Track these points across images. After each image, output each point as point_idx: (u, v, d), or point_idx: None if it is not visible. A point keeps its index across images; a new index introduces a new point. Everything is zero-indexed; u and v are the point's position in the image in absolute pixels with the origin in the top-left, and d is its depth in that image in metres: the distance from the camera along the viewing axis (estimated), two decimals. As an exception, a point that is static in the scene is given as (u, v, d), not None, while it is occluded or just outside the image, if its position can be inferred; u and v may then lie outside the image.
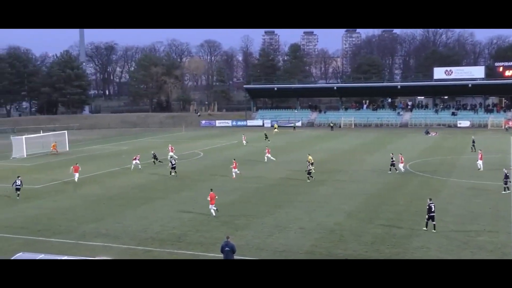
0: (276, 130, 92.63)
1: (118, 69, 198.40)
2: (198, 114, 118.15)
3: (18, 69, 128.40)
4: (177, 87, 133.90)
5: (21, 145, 63.29)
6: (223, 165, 53.13)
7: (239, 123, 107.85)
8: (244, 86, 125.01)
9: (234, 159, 48.09)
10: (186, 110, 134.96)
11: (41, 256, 18.97)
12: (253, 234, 28.11)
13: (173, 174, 47.25)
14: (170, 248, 25.81)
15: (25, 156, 62.00)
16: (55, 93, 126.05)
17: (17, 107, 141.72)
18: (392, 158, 47.79)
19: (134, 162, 51.43)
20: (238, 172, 45.94)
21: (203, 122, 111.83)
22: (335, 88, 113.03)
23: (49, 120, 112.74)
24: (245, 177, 45.69)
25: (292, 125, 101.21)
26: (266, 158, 54.56)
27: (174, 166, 47.90)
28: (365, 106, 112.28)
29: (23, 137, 65.00)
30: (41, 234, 28.88)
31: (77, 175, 45.58)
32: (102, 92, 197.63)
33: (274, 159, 54.61)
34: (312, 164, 45.78)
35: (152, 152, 56.59)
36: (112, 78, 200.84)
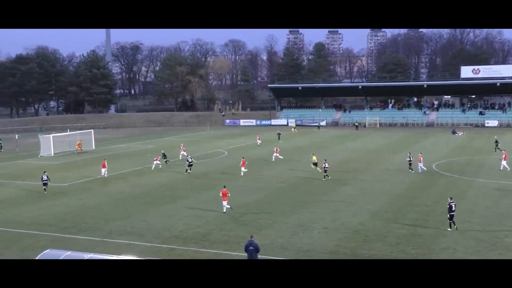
0: (294, 130, 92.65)
1: (143, 68, 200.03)
2: (223, 113, 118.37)
3: (46, 69, 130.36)
4: (201, 86, 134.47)
5: (49, 143, 64.29)
6: (247, 165, 53.24)
7: (263, 122, 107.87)
8: (269, 85, 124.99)
9: (243, 158, 48.95)
10: (211, 109, 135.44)
11: (67, 254, 19.23)
12: (277, 233, 28.10)
13: (188, 171, 48.05)
14: (194, 247, 25.93)
15: (52, 154, 62.97)
16: (81, 93, 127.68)
17: (45, 106, 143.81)
18: (409, 158, 47.70)
19: (155, 162, 51.90)
20: (246, 170, 46.69)
21: (227, 121, 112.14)
22: (360, 87, 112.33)
23: (76, 119, 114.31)
24: (269, 176, 45.76)
25: (316, 124, 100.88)
26: (274, 157, 55.01)
27: (191, 163, 48.76)
28: (390, 105, 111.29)
29: (51, 135, 66.04)
30: (68, 231, 29.31)
31: (104, 170, 47.50)
32: (127, 91, 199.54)
33: (281, 157, 54.83)
34: (315, 164, 46.50)
35: (162, 151, 56.85)
36: (137, 77, 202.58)
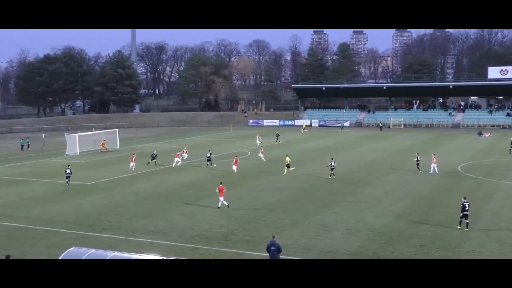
0: (304, 130, 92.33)
1: (168, 68, 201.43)
2: (246, 114, 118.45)
3: (72, 69, 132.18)
4: (225, 86, 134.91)
5: (75, 142, 65.07)
6: (270, 164, 53.43)
7: (287, 122, 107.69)
8: (292, 85, 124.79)
9: (236, 156, 50.62)
10: (234, 109, 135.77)
11: (91, 252, 19.47)
12: (299, 234, 28.04)
13: (210, 167, 49.88)
14: (217, 246, 26.01)
15: (78, 153, 63.76)
16: (107, 92, 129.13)
17: (71, 105, 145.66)
18: (417, 158, 47.82)
19: (179, 158, 53.35)
20: (236, 169, 48.02)
21: (251, 121, 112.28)
22: (384, 88, 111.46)
23: (101, 119, 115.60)
24: (292, 176, 45.75)
25: (340, 125, 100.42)
26: (261, 157, 55.50)
27: (209, 158, 51.29)
28: (415, 106, 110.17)
29: (76, 134, 66.86)
30: (92, 229, 29.68)
31: (132, 164, 50.42)
32: (152, 91, 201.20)
33: (264, 160, 55.04)
34: (288, 166, 47.08)
35: (154, 152, 56.90)
36: (162, 77, 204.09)
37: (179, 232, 28.86)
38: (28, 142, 72.32)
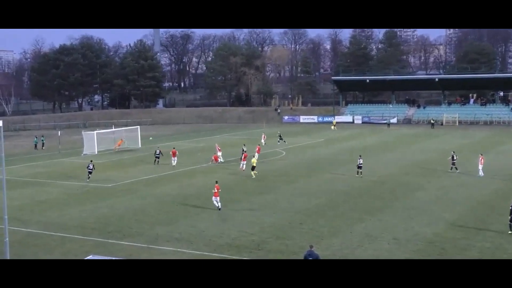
0: (334, 127, 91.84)
1: (194, 59, 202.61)
2: (278, 111, 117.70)
3: (90, 60, 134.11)
4: (257, 78, 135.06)
5: (92, 141, 66.13)
6: (308, 166, 53.36)
7: (326, 119, 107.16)
8: (332, 77, 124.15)
9: (245, 151, 52.92)
10: (267, 104, 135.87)
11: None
12: (340, 243, 27.88)
13: (243, 168, 50.23)
14: (248, 256, 26.04)
15: (96, 152, 64.67)
16: (128, 86, 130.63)
17: (89, 100, 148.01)
18: (453, 157, 47.85)
19: (217, 155, 55.50)
20: (243, 166, 49.91)
21: (286, 117, 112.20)
22: (436, 79, 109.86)
23: (121, 115, 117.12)
24: (333, 179, 45.65)
25: (386, 122, 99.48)
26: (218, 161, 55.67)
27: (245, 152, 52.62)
28: (472, 100, 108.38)
29: (95, 132, 67.91)
30: (112, 236, 30.06)
31: (175, 159, 53.20)
32: (177, 84, 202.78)
33: (219, 162, 55.10)
34: (253, 168, 47.43)
35: (158, 148, 58.06)
36: (187, 69, 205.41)
37: (206, 240, 29.00)
38: (42, 140, 73.73)
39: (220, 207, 35.42)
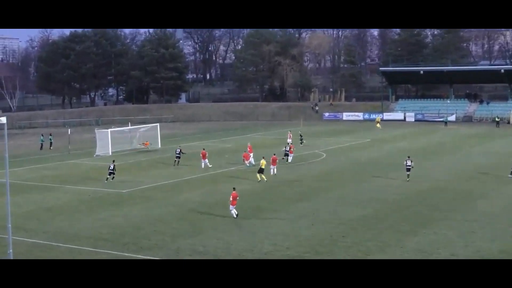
0: (378, 125, 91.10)
1: (221, 47, 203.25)
2: (317, 108, 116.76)
3: (104, 49, 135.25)
4: (294, 69, 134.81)
5: (106, 140, 66.77)
6: (352, 170, 53.29)
7: (373, 116, 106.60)
8: (380, 68, 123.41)
9: (249, 143, 56.84)
10: (305, 98, 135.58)
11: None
12: (390, 260, 27.64)
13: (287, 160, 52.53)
14: (283, 274, 25.93)
15: (110, 153, 65.21)
16: (146, 78, 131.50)
17: (102, 94, 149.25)
18: None
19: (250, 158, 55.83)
20: (251, 162, 52.88)
21: (326, 114, 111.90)
22: (502, 71, 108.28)
23: (138, 111, 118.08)
24: (381, 186, 45.50)
25: (442, 119, 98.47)
26: (248, 163, 55.45)
27: (286, 152, 54.76)
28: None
29: (109, 130, 68.55)
30: (127, 249, 30.29)
31: (206, 161, 54.14)
32: (201, 76, 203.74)
33: (248, 165, 54.93)
34: (261, 171, 47.59)
35: (179, 147, 58.62)
36: (214, 59, 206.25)
37: (235, 254, 29.00)
38: (50, 139, 74.63)
39: (235, 215, 35.71)
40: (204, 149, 56.09)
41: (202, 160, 54.73)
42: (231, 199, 35.98)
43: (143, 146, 68.54)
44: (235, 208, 35.90)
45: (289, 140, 69.95)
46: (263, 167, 48.36)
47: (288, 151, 57.96)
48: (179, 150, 57.31)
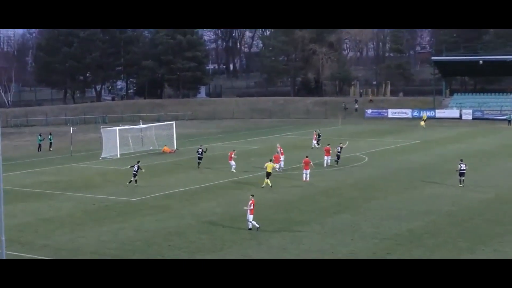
0: (423, 123, 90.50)
1: (247, 34, 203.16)
2: (355, 106, 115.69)
3: (112, 35, 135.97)
4: (331, 59, 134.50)
5: (114, 140, 67.12)
6: (398, 176, 53.13)
7: (424, 113, 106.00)
8: (432, 58, 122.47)
9: (279, 146, 57.83)
10: (344, 93, 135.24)
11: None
12: (443, 282, 27.38)
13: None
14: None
15: (119, 156, 65.58)
16: (160, 69, 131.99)
17: (109, 88, 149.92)
18: None
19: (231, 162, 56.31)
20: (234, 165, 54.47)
21: (369, 111, 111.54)
22: None
23: (151, 106, 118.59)
24: (433, 195, 45.25)
25: (505, 117, 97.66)
26: (278, 167, 54.90)
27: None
28: None
29: (117, 128, 68.98)
30: (138, 266, 30.27)
31: (232, 163, 55.01)
32: (224, 67, 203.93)
33: (278, 170, 54.17)
34: (268, 175, 48.33)
35: (200, 147, 59.28)
36: (238, 47, 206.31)
37: (262, 274, 28.89)
38: (50, 140, 75.14)
39: (251, 227, 35.84)
40: (234, 150, 57.07)
41: (230, 162, 55.45)
42: (251, 206, 35.92)
43: (167, 151, 68.96)
44: (252, 218, 35.84)
45: (314, 142, 70.14)
46: (269, 170, 48.64)
47: (339, 152, 58.18)
48: (201, 150, 57.78)
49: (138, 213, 41.43)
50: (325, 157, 55.36)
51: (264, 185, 48.16)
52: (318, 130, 75.52)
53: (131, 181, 49.48)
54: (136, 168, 49.70)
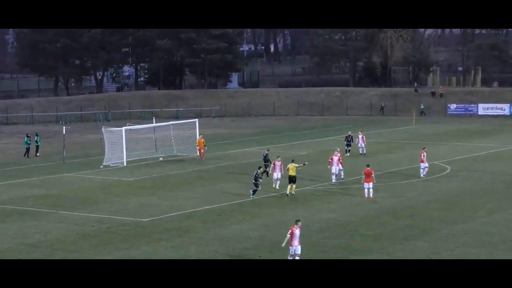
0: None
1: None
2: (421, 108, 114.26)
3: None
4: (403, 38, 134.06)
5: (119, 143, 67.52)
6: (491, 191, 52.97)
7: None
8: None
9: (339, 151, 57.91)
10: (421, 83, 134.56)
11: None
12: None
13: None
14: None
15: (125, 163, 65.80)
16: (179, 51, 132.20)
17: (114, 75, 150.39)
18: None
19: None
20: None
21: (453, 106, 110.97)
22: None
23: (168, 99, 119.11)
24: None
25: None
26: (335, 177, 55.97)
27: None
28: None
29: (123, 128, 69.19)
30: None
31: (276, 175, 53.64)
32: (262, 48, 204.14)
33: (334, 181, 55.31)
34: (293, 181, 50.05)
35: (267, 151, 59.52)
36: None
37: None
38: (37, 142, 75.49)
39: (289, 257, 35.12)
40: (279, 157, 55.10)
41: (275, 173, 54.25)
42: (291, 234, 34.64)
43: (201, 155, 69.28)
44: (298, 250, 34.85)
45: (361, 143, 69.82)
46: (292, 173, 49.38)
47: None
48: (266, 153, 58.62)
49: (149, 238, 41.59)
50: (365, 184, 51.45)
51: (289, 192, 49.03)
52: (349, 132, 75.99)
53: (257, 186, 50.78)
54: (258, 172, 50.99)
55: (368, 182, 50.33)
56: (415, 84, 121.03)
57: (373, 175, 50.91)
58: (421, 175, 57.51)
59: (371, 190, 50.16)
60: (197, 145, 69.02)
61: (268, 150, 60.19)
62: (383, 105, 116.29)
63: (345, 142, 71.57)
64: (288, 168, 49.82)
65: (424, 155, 57.61)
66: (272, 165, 55.19)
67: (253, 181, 51.20)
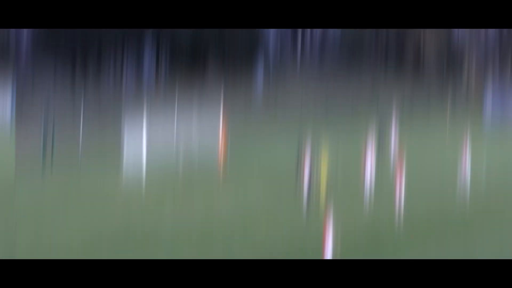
0: None
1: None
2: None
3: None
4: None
5: (139, 144, 67.05)
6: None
7: None
8: None
9: None
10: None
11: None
12: None
13: None
14: None
15: (145, 169, 64.64)
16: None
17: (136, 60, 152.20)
18: None
19: None
20: None
21: None
22: None
23: (196, 90, 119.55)
24: None
25: None
26: None
27: None
28: None
29: (143, 127, 68.66)
30: None
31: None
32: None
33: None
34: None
35: None
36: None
37: None
38: (52, 144, 75.80)
39: None
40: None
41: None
42: None
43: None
44: None
45: None
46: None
47: None
48: None
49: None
50: None
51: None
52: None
53: None
54: None
55: None
56: None
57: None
58: None
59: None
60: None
61: None
62: None
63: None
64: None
65: None
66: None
67: None
